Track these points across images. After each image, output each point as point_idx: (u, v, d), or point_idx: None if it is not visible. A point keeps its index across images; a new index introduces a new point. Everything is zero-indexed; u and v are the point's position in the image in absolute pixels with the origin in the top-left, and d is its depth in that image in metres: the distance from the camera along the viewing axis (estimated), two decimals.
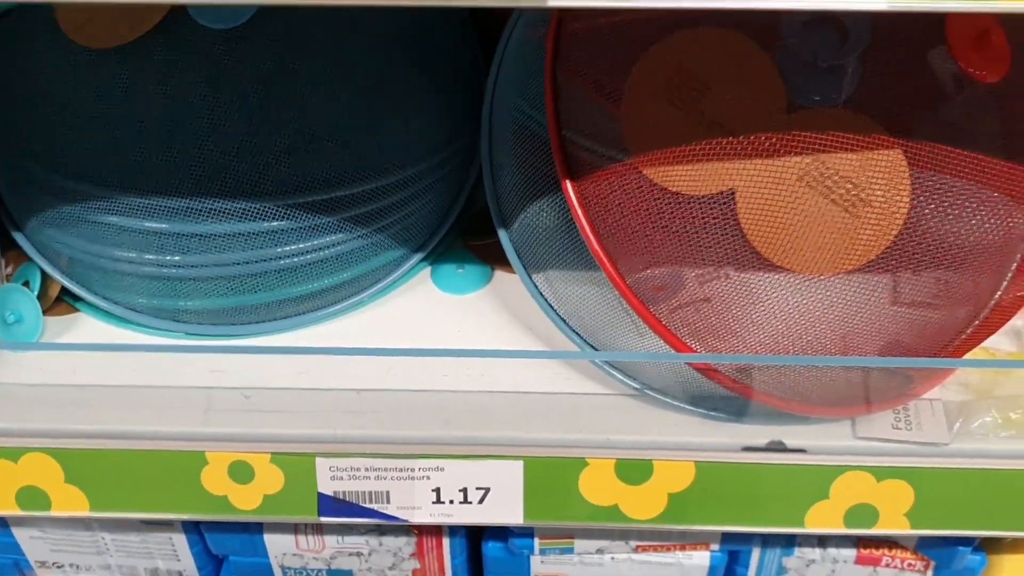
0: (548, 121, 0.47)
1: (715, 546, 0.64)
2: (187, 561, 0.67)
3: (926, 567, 0.64)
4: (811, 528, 0.54)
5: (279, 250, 0.55)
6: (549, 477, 0.53)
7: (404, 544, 0.64)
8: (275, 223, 0.54)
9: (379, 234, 0.57)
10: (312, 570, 0.66)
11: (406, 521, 0.54)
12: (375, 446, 0.52)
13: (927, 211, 0.44)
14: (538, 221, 0.52)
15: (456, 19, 0.61)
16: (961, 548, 0.62)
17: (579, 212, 0.47)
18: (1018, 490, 0.52)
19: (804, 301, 0.50)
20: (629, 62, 0.45)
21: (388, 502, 0.54)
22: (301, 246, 0.56)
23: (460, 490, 0.53)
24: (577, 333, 0.54)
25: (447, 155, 0.58)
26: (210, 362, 0.55)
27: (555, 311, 0.54)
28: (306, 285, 0.58)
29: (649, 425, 0.53)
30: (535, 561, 0.65)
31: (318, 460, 0.53)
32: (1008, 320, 0.52)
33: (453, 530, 0.64)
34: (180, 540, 0.65)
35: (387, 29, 0.55)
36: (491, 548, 0.65)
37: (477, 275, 0.61)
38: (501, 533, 0.64)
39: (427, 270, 0.62)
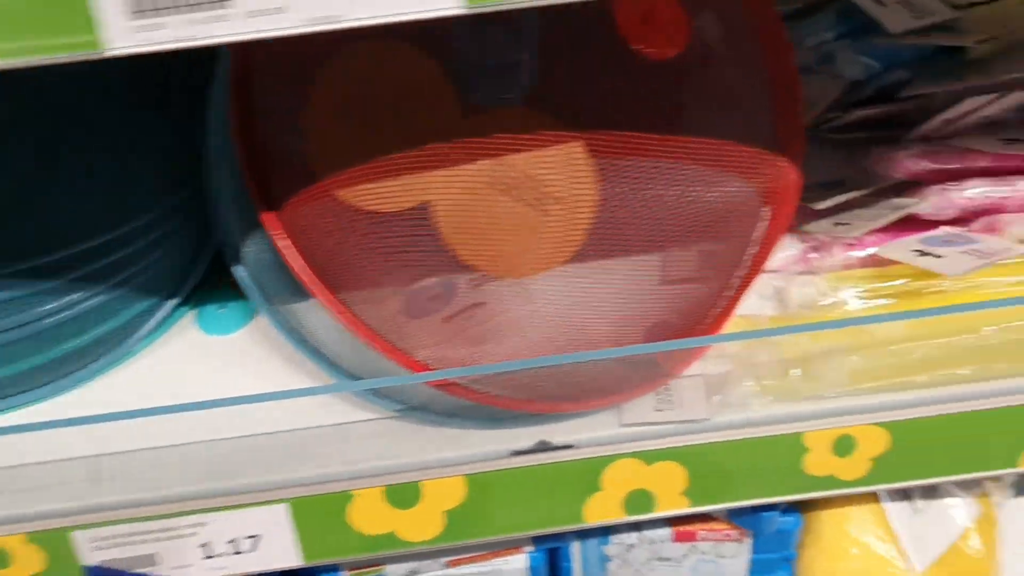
0: (238, 153, 0.45)
1: (529, 547, 0.63)
2: None
3: (742, 535, 0.64)
4: (591, 521, 0.53)
5: (15, 318, 0.53)
6: (317, 515, 0.51)
7: None
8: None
9: (122, 287, 0.55)
10: None
11: None
12: (132, 510, 0.50)
13: (619, 196, 0.43)
14: (262, 255, 0.50)
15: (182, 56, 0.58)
16: (766, 514, 0.62)
17: (280, 243, 0.45)
18: (782, 454, 0.52)
19: (552, 299, 0.50)
20: (307, 85, 0.44)
21: (158, 564, 0.52)
22: (40, 310, 0.53)
23: (229, 542, 0.52)
24: (329, 361, 0.53)
25: (185, 196, 0.56)
26: None
27: (303, 342, 0.53)
28: (57, 347, 0.55)
29: (412, 446, 0.52)
30: None
31: (75, 534, 0.50)
32: (750, 284, 0.52)
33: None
34: None
35: (95, 76, 0.53)
36: None
37: (240, 312, 0.59)
38: (311, 572, 0.63)
39: (192, 313, 0.60)
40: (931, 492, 0.68)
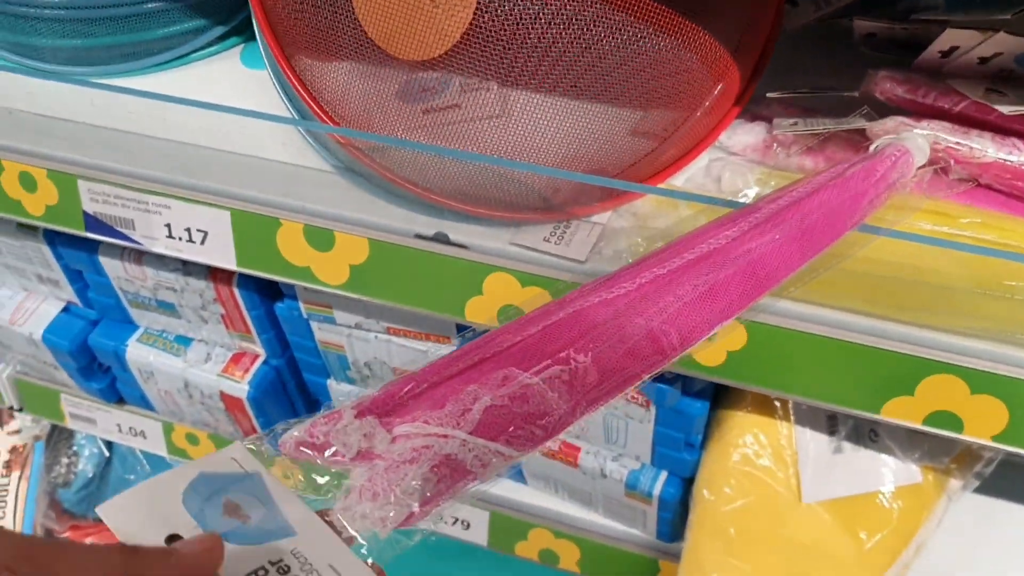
0: None
1: (456, 340, 0.69)
2: (58, 273, 0.80)
3: (647, 403, 0.66)
4: (470, 319, 0.58)
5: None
6: (252, 230, 0.60)
7: (205, 288, 0.74)
8: None
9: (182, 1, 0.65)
10: (144, 297, 0.78)
11: (148, 248, 0.64)
12: (120, 177, 0.62)
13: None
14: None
15: None
16: (665, 387, 0.64)
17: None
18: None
19: (512, 121, 0.53)
20: None
21: (134, 229, 0.63)
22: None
23: (185, 229, 0.62)
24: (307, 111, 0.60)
25: None
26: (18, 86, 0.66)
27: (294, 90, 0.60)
28: (123, 36, 0.66)
29: (336, 199, 0.58)
30: (315, 327, 0.74)
31: (80, 182, 0.63)
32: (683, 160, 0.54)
33: (243, 283, 0.73)
34: (46, 251, 0.78)
35: None
36: (279, 308, 0.73)
37: None
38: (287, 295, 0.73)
39: (240, 47, 0.69)
40: (864, 439, 0.67)
